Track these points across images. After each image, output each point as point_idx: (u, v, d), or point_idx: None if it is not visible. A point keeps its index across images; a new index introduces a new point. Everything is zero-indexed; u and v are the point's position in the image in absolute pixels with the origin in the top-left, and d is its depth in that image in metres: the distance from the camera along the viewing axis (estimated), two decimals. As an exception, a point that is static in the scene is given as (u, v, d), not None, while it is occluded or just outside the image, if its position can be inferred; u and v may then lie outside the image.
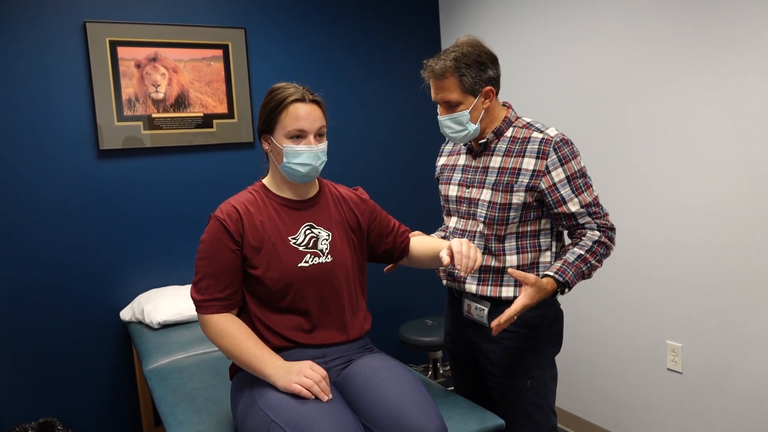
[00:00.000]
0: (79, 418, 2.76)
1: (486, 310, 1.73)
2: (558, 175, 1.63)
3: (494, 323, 1.54)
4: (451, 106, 1.67)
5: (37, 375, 2.67)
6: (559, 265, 1.65)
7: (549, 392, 1.76)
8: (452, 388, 2.02)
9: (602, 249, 1.66)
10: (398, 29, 3.39)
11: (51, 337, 2.68)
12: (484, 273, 1.73)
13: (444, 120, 1.70)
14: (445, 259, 1.51)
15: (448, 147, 1.93)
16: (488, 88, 1.66)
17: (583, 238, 1.67)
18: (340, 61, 3.24)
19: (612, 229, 1.68)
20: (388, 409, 1.38)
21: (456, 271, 1.76)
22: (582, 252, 1.65)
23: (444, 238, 1.95)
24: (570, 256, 1.65)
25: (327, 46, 3.20)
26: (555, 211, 1.66)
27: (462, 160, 1.83)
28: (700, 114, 2.22)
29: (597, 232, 1.66)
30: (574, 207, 1.65)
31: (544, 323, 1.74)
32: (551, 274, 1.63)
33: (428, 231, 1.99)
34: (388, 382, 1.45)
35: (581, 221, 1.67)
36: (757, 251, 2.10)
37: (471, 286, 1.75)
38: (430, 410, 1.39)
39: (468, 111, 1.66)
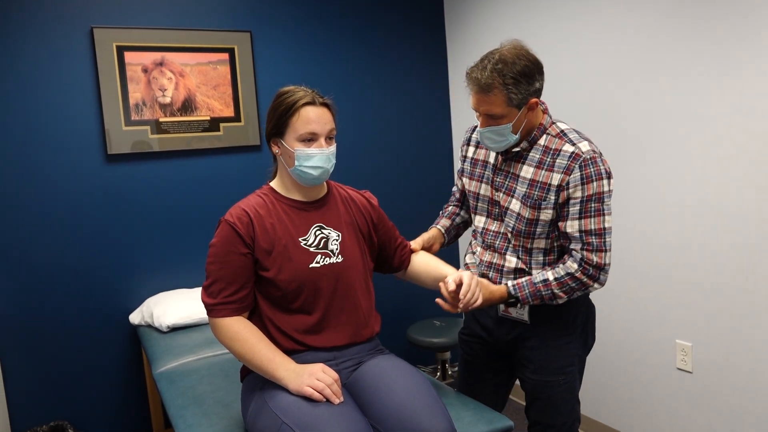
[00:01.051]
0: (89, 420, 2.77)
1: (527, 307, 1.72)
2: (575, 192, 1.58)
3: (449, 305, 1.56)
4: (494, 119, 1.59)
5: (48, 379, 2.68)
6: (523, 280, 1.64)
7: (577, 385, 1.80)
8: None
9: (574, 283, 1.61)
10: (403, 31, 3.39)
11: (61, 341, 2.69)
12: (519, 274, 1.72)
13: (485, 132, 1.63)
14: (451, 285, 1.51)
15: (475, 135, 1.84)
16: (534, 100, 1.59)
17: (562, 264, 1.64)
18: (346, 63, 3.25)
19: (598, 267, 1.60)
20: (398, 411, 1.39)
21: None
22: (550, 277, 1.62)
23: (453, 225, 1.96)
24: (538, 276, 1.64)
25: (332, 49, 3.20)
26: (558, 223, 1.65)
27: (492, 157, 1.76)
28: (709, 113, 2.21)
29: (575, 265, 1.60)
30: (570, 228, 1.61)
31: (578, 320, 1.76)
32: (509, 284, 1.64)
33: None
34: (398, 384, 1.45)
35: (571, 246, 1.62)
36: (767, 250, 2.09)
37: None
38: (439, 412, 1.40)
39: (511, 123, 1.59)
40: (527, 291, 1.63)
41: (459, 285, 1.53)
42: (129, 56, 2.72)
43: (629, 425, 2.68)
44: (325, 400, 1.39)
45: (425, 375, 1.68)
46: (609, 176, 1.60)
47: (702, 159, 2.25)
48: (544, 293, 1.63)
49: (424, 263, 1.76)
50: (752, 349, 2.17)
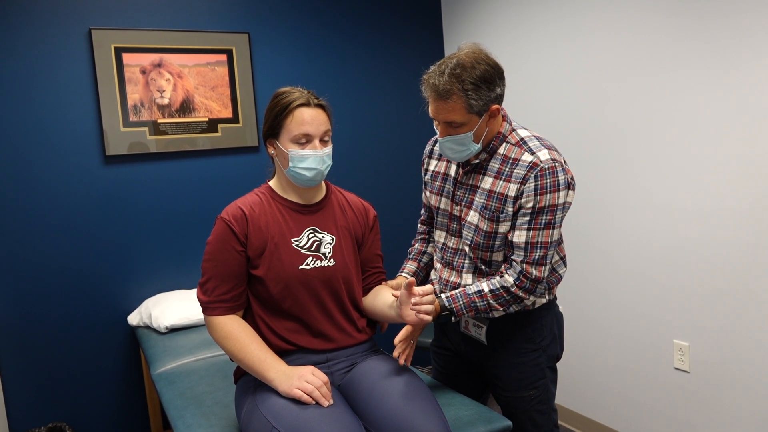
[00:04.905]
0: (88, 422, 2.77)
1: (484, 327, 1.69)
2: (527, 202, 1.52)
3: (396, 353, 1.55)
4: (454, 127, 1.52)
5: (46, 380, 2.68)
6: (456, 292, 1.59)
7: (551, 396, 1.76)
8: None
9: (508, 296, 1.56)
10: (401, 32, 3.40)
11: (59, 343, 2.69)
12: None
13: (445, 141, 1.55)
14: (409, 280, 1.43)
15: (437, 147, 1.77)
16: (495, 107, 1.52)
17: (499, 277, 1.58)
18: (344, 64, 3.25)
19: (536, 281, 1.55)
20: (393, 415, 1.39)
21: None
22: (485, 289, 1.57)
23: (421, 268, 1.88)
24: (472, 287, 1.59)
25: (330, 50, 3.21)
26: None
27: (453, 170, 1.70)
28: (706, 114, 2.22)
29: (511, 279, 1.55)
30: (517, 238, 1.55)
31: (543, 333, 1.71)
32: (443, 296, 1.59)
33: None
34: (394, 387, 1.45)
35: (513, 256, 1.56)
36: (764, 251, 2.09)
37: None
38: (434, 415, 1.39)
39: (472, 132, 1.52)
40: (461, 302, 1.57)
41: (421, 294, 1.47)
42: (127, 57, 2.73)
43: (627, 425, 2.69)
44: (314, 402, 1.39)
45: (422, 375, 1.69)
46: (569, 187, 1.53)
47: (699, 159, 2.25)
48: (479, 304, 1.57)
49: (383, 291, 1.66)
50: (749, 349, 2.18)
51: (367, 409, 1.44)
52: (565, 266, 1.72)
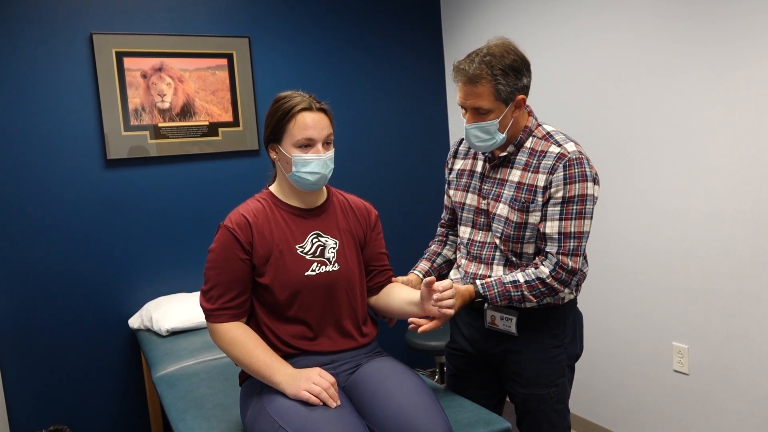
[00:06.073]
0: (89, 425, 2.77)
1: (514, 319, 1.68)
2: (557, 192, 1.55)
3: (418, 325, 1.53)
4: (481, 114, 1.57)
5: (47, 383, 2.69)
6: (492, 279, 1.62)
7: (567, 396, 1.77)
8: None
9: (544, 288, 1.58)
10: (401, 35, 3.41)
11: (60, 346, 2.70)
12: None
13: (471, 128, 1.60)
14: (430, 279, 1.46)
15: (463, 147, 1.83)
16: (521, 96, 1.57)
17: (534, 268, 1.60)
18: (344, 68, 3.26)
19: (572, 272, 1.57)
20: (396, 414, 1.40)
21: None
22: (520, 279, 1.59)
23: (433, 268, 1.90)
24: (508, 276, 1.61)
25: (331, 54, 3.22)
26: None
27: (479, 166, 1.74)
28: (706, 115, 2.23)
29: (547, 270, 1.57)
30: (549, 229, 1.57)
31: (566, 330, 1.72)
32: (477, 282, 1.62)
33: (428, 240, 2.00)
34: (397, 387, 1.46)
35: (546, 248, 1.59)
36: (764, 253, 2.10)
37: None
38: (437, 415, 1.41)
39: (498, 120, 1.57)
40: (496, 290, 1.60)
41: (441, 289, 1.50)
42: (128, 62, 2.74)
43: (626, 427, 2.69)
44: (322, 403, 1.40)
45: (423, 378, 1.69)
46: (595, 181, 1.58)
47: (699, 162, 2.26)
48: (513, 294, 1.59)
49: (398, 288, 1.69)
50: (748, 351, 2.19)
51: (372, 409, 1.45)
52: (587, 264, 1.73)
